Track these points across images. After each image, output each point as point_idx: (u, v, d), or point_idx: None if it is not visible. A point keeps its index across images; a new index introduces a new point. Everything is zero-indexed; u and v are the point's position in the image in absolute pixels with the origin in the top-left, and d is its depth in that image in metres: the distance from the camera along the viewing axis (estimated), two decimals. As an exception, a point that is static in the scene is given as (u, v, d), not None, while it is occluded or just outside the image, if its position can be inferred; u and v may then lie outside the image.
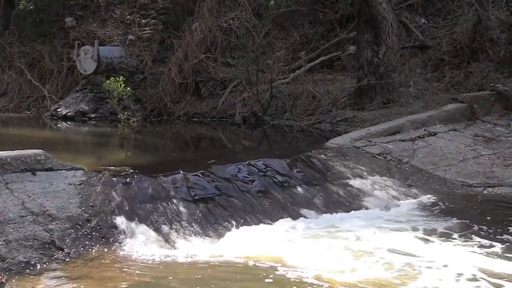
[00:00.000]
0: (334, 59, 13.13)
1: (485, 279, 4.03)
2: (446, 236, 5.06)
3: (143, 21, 14.22)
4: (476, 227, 5.30)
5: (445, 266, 4.27)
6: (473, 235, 5.09)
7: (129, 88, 12.47)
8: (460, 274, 4.11)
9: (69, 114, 12.47)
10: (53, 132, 11.37)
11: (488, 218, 5.58)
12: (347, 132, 8.43)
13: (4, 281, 3.86)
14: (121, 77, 12.43)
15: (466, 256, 4.52)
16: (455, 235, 5.08)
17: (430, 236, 5.05)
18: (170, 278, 4.01)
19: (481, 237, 5.02)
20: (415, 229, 5.27)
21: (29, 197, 4.73)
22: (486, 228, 5.28)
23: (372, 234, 5.03)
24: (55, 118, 12.60)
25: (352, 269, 4.19)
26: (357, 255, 4.48)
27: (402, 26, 12.01)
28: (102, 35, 14.03)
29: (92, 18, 14.97)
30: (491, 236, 5.06)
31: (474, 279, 4.04)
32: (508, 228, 5.27)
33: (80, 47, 13.14)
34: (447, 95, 10.02)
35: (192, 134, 10.90)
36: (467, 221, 5.49)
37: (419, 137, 7.91)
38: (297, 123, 10.22)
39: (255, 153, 8.19)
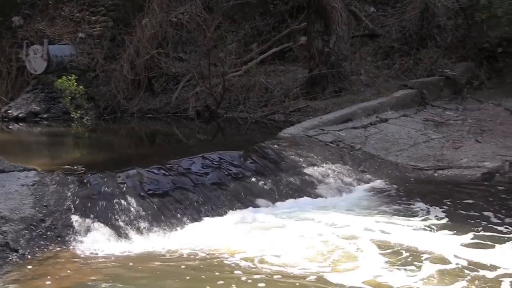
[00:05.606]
0: (285, 50, 13.18)
1: (435, 258, 4.16)
2: (398, 217, 5.20)
3: (93, 18, 14.04)
4: (428, 208, 5.47)
5: (401, 245, 4.41)
6: (425, 216, 5.26)
7: (81, 87, 12.34)
8: (413, 254, 4.24)
9: (20, 115, 12.29)
10: (4, 134, 11.19)
11: (439, 199, 5.76)
12: (300, 122, 8.50)
13: (-43, 285, 3.82)
14: (73, 76, 12.30)
15: (419, 237, 4.64)
16: (407, 217, 5.23)
17: (382, 218, 5.18)
18: (126, 272, 4.02)
19: (433, 218, 5.19)
20: (368, 212, 5.41)
21: (-19, 200, 4.67)
22: (437, 208, 5.46)
23: (325, 220, 5.12)
24: (6, 120, 12.40)
25: (304, 252, 4.30)
26: (309, 241, 4.58)
27: (351, 15, 12.16)
28: (51, 33, 13.81)
29: (40, 16, 14.71)
30: (441, 216, 5.23)
31: (428, 258, 4.16)
32: (457, 207, 5.46)
33: (29, 47, 12.94)
34: (398, 82, 10.18)
35: (147, 130, 10.87)
36: (420, 202, 5.67)
37: (371, 124, 8.03)
38: (251, 115, 10.25)
39: (209, 146, 8.23)
